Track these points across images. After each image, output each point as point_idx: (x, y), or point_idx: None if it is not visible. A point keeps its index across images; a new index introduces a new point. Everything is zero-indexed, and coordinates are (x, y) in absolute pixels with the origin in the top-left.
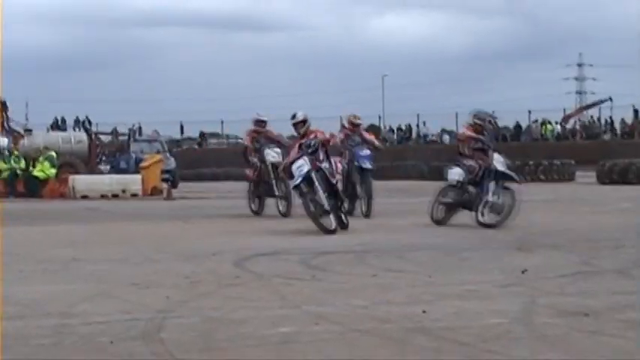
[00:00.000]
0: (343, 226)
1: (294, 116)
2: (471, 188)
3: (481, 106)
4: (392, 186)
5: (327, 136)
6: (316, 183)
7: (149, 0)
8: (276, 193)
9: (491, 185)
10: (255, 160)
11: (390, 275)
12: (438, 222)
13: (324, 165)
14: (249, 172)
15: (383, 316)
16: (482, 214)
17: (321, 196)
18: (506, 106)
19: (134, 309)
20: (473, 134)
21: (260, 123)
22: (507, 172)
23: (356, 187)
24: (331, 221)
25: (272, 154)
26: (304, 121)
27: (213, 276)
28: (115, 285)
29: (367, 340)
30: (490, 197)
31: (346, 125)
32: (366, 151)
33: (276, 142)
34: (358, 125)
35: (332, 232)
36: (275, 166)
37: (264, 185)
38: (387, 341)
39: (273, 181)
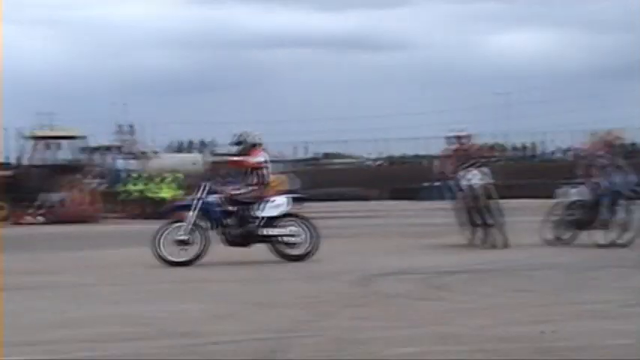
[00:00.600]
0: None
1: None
2: (593, 207)
3: (604, 124)
4: (513, 204)
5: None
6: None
7: (267, 22)
8: (488, 222)
9: (620, 203)
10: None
11: (515, 295)
12: (555, 241)
13: None
14: (458, 199)
15: (509, 336)
16: (610, 233)
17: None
18: (630, 123)
19: (260, 329)
20: (600, 152)
21: (461, 139)
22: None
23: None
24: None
25: (478, 177)
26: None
27: (337, 295)
28: (241, 305)
29: None
30: (617, 216)
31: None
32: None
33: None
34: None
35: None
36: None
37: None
38: None
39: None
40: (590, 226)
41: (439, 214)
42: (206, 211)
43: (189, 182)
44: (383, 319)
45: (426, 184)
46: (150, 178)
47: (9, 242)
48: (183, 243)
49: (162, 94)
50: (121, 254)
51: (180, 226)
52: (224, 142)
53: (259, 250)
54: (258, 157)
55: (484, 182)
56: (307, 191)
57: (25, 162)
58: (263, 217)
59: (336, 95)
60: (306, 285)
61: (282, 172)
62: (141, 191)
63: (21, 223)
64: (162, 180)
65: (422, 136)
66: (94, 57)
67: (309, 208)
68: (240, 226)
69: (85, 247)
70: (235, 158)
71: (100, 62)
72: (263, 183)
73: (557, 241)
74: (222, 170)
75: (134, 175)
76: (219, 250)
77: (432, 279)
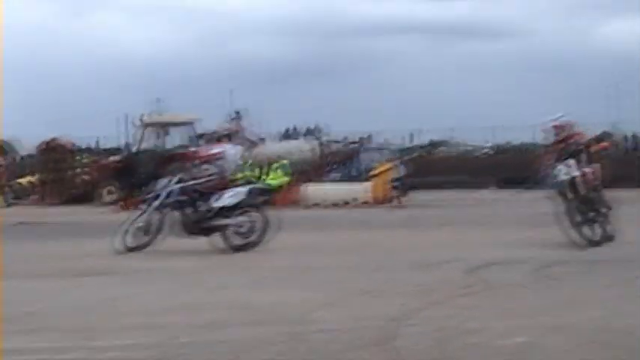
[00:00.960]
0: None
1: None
2: None
3: None
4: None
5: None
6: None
7: (377, 10)
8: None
9: None
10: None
11: (626, 286)
12: None
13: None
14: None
15: (622, 327)
16: None
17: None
18: None
19: (367, 317)
20: None
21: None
22: None
23: None
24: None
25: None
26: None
27: (445, 285)
28: (348, 293)
29: (606, 353)
30: None
31: None
32: None
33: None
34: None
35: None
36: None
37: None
38: (629, 354)
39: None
40: None
41: (546, 203)
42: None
43: (296, 169)
44: (491, 309)
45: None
46: (257, 165)
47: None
48: (141, 230)
49: (270, 82)
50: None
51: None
52: (332, 130)
53: (366, 238)
54: (215, 149)
55: (579, 173)
56: (416, 179)
57: (134, 148)
58: (217, 207)
59: (445, 83)
60: (411, 274)
61: (390, 160)
62: (244, 177)
63: (130, 208)
64: (270, 167)
65: (530, 124)
66: (202, 45)
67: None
68: (195, 215)
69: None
70: (182, 151)
71: (209, 50)
72: (221, 174)
73: None
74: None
75: (242, 162)
76: (327, 238)
77: (541, 269)
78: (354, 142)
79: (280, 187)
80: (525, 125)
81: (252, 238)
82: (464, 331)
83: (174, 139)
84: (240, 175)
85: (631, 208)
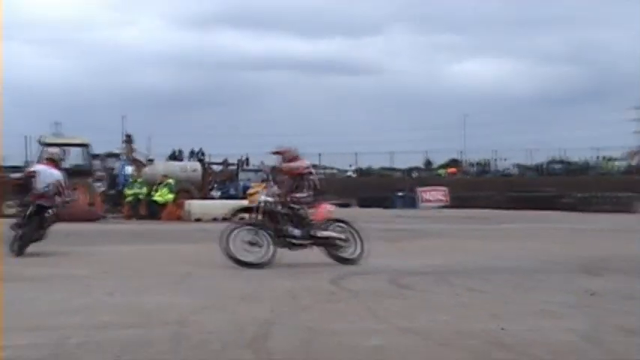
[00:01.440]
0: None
1: None
2: None
3: (551, 145)
4: (471, 214)
5: None
6: None
7: (256, 47)
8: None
9: None
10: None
11: (471, 294)
12: None
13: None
14: None
15: (465, 331)
16: None
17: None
18: (574, 144)
19: (242, 320)
20: None
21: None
22: None
23: None
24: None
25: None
26: None
27: (311, 292)
28: (225, 298)
29: (451, 354)
30: None
31: None
32: None
33: None
34: None
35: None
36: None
37: None
38: (470, 355)
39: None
40: None
41: (402, 220)
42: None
43: (180, 187)
44: (351, 314)
45: (393, 193)
46: (146, 183)
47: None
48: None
49: (160, 109)
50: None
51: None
52: (213, 152)
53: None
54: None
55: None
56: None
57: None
58: None
59: (315, 113)
60: (282, 281)
61: (265, 180)
62: (134, 194)
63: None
64: (157, 185)
65: (388, 150)
66: (97, 74)
67: None
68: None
69: (97, 243)
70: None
71: (103, 79)
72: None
73: None
74: None
75: (133, 179)
76: (208, 248)
77: (397, 279)
78: (232, 164)
79: (166, 203)
80: (384, 152)
81: None
82: (328, 333)
83: (73, 159)
84: (130, 192)
85: (473, 225)
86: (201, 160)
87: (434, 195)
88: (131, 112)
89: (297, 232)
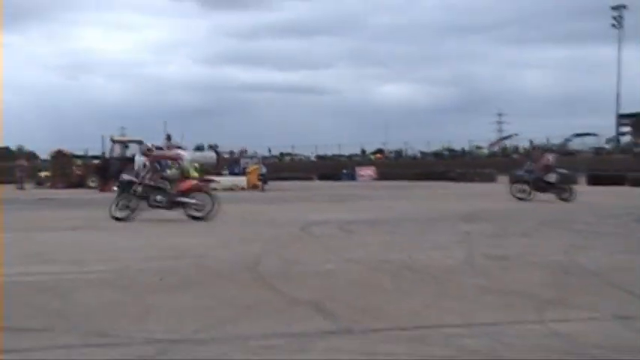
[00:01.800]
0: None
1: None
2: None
3: (440, 140)
4: (391, 184)
5: None
6: None
7: (249, 77)
8: None
9: None
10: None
11: (390, 236)
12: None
13: None
14: None
15: (386, 258)
16: None
17: None
18: (456, 138)
19: (242, 254)
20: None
21: None
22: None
23: None
24: None
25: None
26: None
27: (288, 236)
28: (232, 240)
29: (377, 273)
30: None
31: None
32: None
33: None
34: None
35: None
36: None
37: None
38: (389, 274)
39: None
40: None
41: (346, 188)
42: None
43: (202, 169)
44: (314, 249)
45: (340, 171)
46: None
47: (98, 202)
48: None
49: (188, 117)
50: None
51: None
52: (223, 146)
53: (243, 208)
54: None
55: None
56: (272, 175)
57: (108, 155)
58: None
59: (290, 121)
60: (269, 229)
61: (257, 163)
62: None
63: (105, 191)
64: (189, 167)
65: (337, 143)
66: (148, 95)
67: (277, 184)
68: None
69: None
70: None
71: (151, 98)
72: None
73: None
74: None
75: (172, 164)
76: (220, 208)
77: (344, 226)
78: (236, 153)
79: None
80: (334, 144)
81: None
82: (298, 262)
83: (132, 151)
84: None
85: (403, 191)
86: (215, 151)
87: (366, 172)
88: (169, 120)
89: (160, 198)
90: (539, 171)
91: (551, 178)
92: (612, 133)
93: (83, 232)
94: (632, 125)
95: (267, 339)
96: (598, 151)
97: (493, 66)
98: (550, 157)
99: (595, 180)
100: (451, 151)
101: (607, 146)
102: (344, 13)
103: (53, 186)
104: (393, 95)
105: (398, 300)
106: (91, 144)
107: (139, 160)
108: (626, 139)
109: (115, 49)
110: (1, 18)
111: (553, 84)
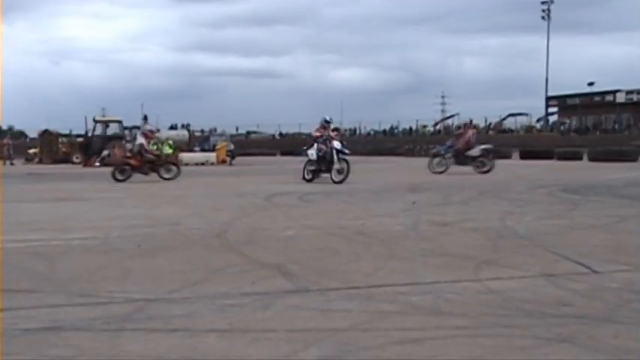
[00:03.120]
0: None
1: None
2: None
3: (390, 119)
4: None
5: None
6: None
7: (216, 63)
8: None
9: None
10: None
11: (345, 204)
12: (307, 181)
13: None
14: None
15: (341, 225)
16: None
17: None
18: (405, 117)
19: (212, 222)
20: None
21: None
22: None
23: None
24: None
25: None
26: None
27: (253, 205)
28: (203, 209)
29: (333, 238)
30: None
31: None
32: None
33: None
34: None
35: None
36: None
37: None
38: (344, 239)
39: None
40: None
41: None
42: None
43: (176, 145)
44: (276, 217)
45: (300, 147)
46: (156, 143)
47: (81, 176)
48: None
49: (162, 100)
50: (145, 183)
51: None
52: (194, 125)
53: (213, 181)
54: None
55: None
56: (239, 151)
57: (90, 134)
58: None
59: (254, 103)
60: (236, 199)
61: (226, 140)
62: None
63: (88, 166)
64: (163, 144)
65: (297, 122)
66: (125, 79)
67: (243, 159)
68: None
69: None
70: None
71: (128, 82)
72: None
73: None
74: None
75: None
76: (193, 181)
77: (303, 196)
78: (205, 131)
79: (168, 155)
80: (295, 123)
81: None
82: (262, 229)
83: (112, 130)
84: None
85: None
86: (188, 130)
87: None
88: (144, 102)
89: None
90: (461, 146)
91: (475, 152)
92: (542, 113)
93: (68, 203)
94: (559, 106)
95: (234, 298)
96: (529, 129)
97: (435, 53)
98: (471, 133)
99: (527, 155)
100: (399, 129)
101: (537, 125)
102: (300, 5)
103: (41, 162)
104: (346, 79)
105: (351, 262)
106: (72, 123)
107: (140, 139)
108: (553, 119)
109: (93, 37)
110: (1, 9)
111: (490, 69)
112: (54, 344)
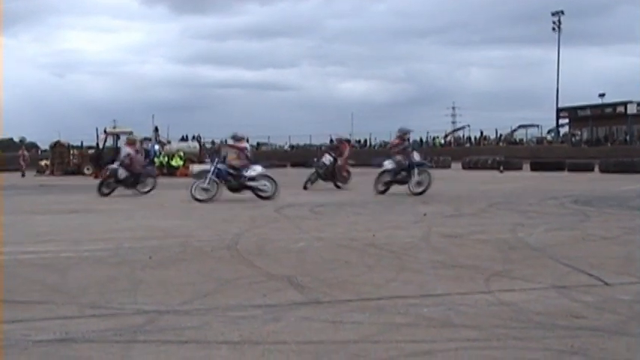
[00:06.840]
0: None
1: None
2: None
3: (392, 129)
4: (357, 170)
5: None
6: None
7: (222, 75)
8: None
9: (415, 170)
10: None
11: (356, 216)
12: (380, 192)
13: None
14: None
15: (352, 237)
16: (413, 187)
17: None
18: (413, 129)
19: (223, 233)
20: (398, 141)
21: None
22: (422, 162)
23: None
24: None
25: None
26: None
27: (264, 217)
28: (213, 221)
29: (345, 250)
30: (416, 177)
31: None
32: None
33: None
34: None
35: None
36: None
37: None
38: (355, 251)
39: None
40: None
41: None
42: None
43: (186, 157)
44: (287, 229)
45: (311, 159)
46: (166, 155)
47: (92, 187)
48: (204, 190)
49: (169, 111)
50: (154, 195)
51: (203, 180)
52: (205, 136)
53: (225, 192)
54: (244, 144)
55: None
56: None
57: (101, 146)
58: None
59: (261, 114)
60: (247, 210)
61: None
62: (160, 161)
63: (99, 178)
64: (173, 156)
65: (307, 134)
66: (131, 92)
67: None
68: (235, 180)
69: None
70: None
71: (134, 94)
72: (247, 157)
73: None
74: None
75: (157, 153)
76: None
77: (313, 208)
78: (217, 143)
79: (178, 166)
80: (304, 134)
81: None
82: (272, 240)
83: (123, 141)
84: (157, 160)
85: (367, 177)
86: (198, 141)
87: None
88: (153, 113)
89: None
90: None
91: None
92: (552, 124)
93: (79, 214)
94: (569, 117)
95: (245, 309)
96: (540, 140)
97: (441, 65)
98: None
99: (537, 166)
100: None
101: (548, 136)
102: (302, 17)
103: (52, 174)
104: (353, 91)
105: (362, 274)
106: (82, 135)
107: (126, 149)
108: (564, 130)
109: (97, 50)
110: (1, 20)
111: (497, 81)
112: (65, 356)
